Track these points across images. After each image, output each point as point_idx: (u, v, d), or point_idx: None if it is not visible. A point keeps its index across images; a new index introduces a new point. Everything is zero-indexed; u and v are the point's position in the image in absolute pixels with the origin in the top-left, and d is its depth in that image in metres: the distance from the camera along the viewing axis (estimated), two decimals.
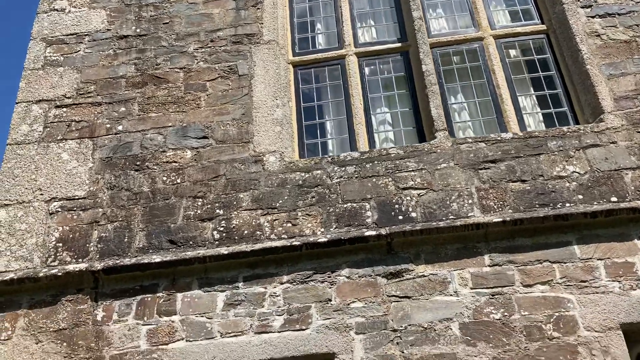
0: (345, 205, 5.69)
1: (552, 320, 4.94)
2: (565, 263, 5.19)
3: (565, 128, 5.96)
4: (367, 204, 5.67)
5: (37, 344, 5.30)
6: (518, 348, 4.85)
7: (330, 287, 5.30)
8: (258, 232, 5.64)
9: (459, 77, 6.85)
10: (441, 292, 5.16)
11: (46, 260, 5.71)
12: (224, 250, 5.47)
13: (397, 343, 4.97)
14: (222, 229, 5.70)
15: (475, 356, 4.85)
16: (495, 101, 6.55)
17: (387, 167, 5.86)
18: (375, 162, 5.91)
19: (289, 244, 5.41)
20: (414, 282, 5.24)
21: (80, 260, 5.68)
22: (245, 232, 5.66)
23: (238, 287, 5.40)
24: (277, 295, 5.31)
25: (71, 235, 5.83)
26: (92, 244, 5.77)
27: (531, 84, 6.82)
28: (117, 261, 5.54)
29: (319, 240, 5.39)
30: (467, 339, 4.93)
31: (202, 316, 5.30)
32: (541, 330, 4.91)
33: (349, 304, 5.19)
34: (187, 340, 5.19)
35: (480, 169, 5.74)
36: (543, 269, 5.19)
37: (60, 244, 5.79)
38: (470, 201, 5.56)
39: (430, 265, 5.31)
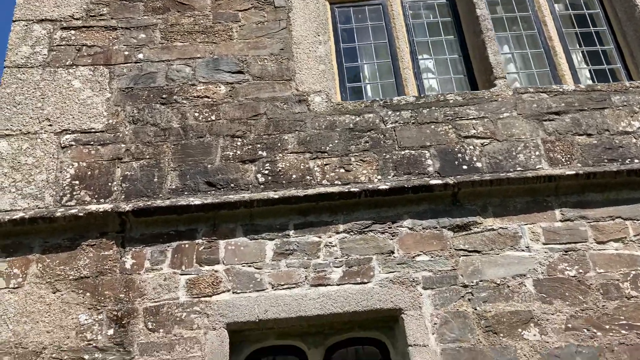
0: (402, 152, 5.24)
1: (629, 278, 4.71)
2: (637, 220, 4.97)
3: (627, 83, 5.72)
4: (426, 151, 5.24)
5: (54, 293, 4.60)
6: (596, 306, 4.60)
7: (392, 239, 4.86)
8: (308, 177, 5.11)
9: (508, 26, 6.48)
10: (512, 247, 4.83)
11: (60, 200, 4.97)
12: (272, 194, 4.91)
13: (469, 299, 4.61)
14: (266, 172, 5.13)
15: (552, 314, 4.56)
16: (548, 53, 6.24)
17: (446, 114, 5.44)
18: (433, 108, 5.48)
19: (346, 190, 4.92)
20: (482, 235, 4.88)
21: (102, 200, 4.98)
22: (294, 176, 5.12)
23: (289, 235, 4.87)
24: (334, 246, 4.83)
25: (89, 173, 5.11)
26: (115, 183, 5.07)
27: (580, 39, 6.54)
28: (148, 202, 4.88)
29: (380, 188, 4.93)
30: (543, 296, 4.64)
31: (250, 266, 4.75)
32: (619, 289, 4.67)
33: (413, 257, 4.78)
34: (233, 292, 4.64)
35: (545, 121, 5.41)
36: (615, 225, 4.95)
37: (77, 182, 5.06)
38: (537, 153, 5.23)
39: (499, 218, 4.96)
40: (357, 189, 4.92)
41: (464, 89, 6.03)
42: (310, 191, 4.93)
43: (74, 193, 5.02)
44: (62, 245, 4.80)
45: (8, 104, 5.39)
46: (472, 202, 5.01)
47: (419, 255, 4.79)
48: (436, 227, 4.92)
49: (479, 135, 5.33)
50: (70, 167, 5.13)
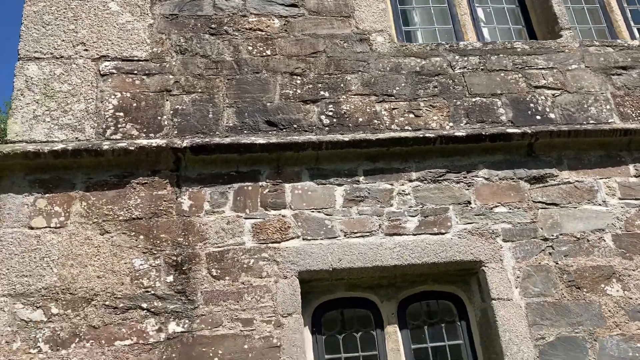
0: (473, 100, 4.96)
1: None
2: None
3: None
4: (497, 100, 4.98)
5: (102, 235, 4.11)
6: None
7: (468, 189, 4.60)
8: (375, 121, 4.76)
9: None
10: (589, 201, 4.66)
11: (103, 132, 4.44)
12: (340, 136, 4.54)
13: (550, 253, 4.42)
14: (330, 113, 4.74)
15: (633, 270, 4.44)
16: (604, 9, 6.06)
17: (515, 62, 5.18)
18: (501, 55, 5.21)
19: (420, 136, 4.60)
20: (559, 188, 4.69)
21: (152, 135, 4.48)
22: (360, 119, 4.75)
23: (358, 181, 4.53)
24: (407, 194, 4.52)
25: (135, 105, 4.58)
26: (165, 117, 4.57)
27: None
28: (206, 140, 4.41)
29: (456, 135, 4.64)
30: (622, 251, 4.50)
31: (320, 212, 4.39)
32: None
33: (491, 209, 4.54)
34: (303, 239, 4.28)
35: (612, 75, 5.24)
36: None
37: (121, 114, 4.54)
38: (607, 107, 5.06)
39: (574, 171, 4.77)
40: (432, 135, 4.61)
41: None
42: (382, 135, 4.58)
43: (119, 126, 4.49)
44: (109, 183, 4.30)
45: (35, 24, 4.76)
46: (547, 153, 4.79)
47: (496, 206, 4.55)
48: (512, 178, 4.68)
49: (549, 86, 5.10)
50: (112, 97, 4.59)
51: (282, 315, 4.01)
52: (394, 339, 4.28)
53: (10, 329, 3.78)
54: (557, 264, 4.39)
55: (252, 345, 3.90)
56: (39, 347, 3.75)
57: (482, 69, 5.12)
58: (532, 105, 4.99)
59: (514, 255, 4.38)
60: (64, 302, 3.89)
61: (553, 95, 5.07)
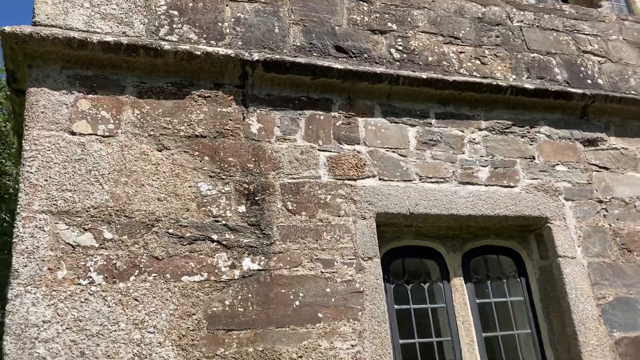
0: (532, 55, 4.86)
1: None
2: None
3: None
4: (552, 59, 4.92)
5: (160, 151, 3.46)
6: None
7: (531, 144, 4.50)
8: (445, 63, 4.49)
9: None
10: (634, 169, 4.78)
11: (156, 31, 3.72)
12: (416, 73, 4.20)
13: (604, 215, 4.47)
14: (400, 48, 4.39)
15: None
16: None
17: (565, 24, 5.15)
18: (552, 15, 5.15)
19: (493, 84, 4.41)
20: (608, 153, 4.75)
21: (212, 42, 3.83)
22: (430, 59, 4.45)
23: (430, 124, 4.25)
24: (477, 143, 4.32)
25: (191, 5, 3.89)
26: (226, 24, 3.94)
27: None
28: (277, 56, 3.86)
29: (526, 87, 4.51)
30: None
31: (394, 152, 4.05)
32: None
33: (553, 166, 4.48)
34: (380, 179, 3.92)
35: None
36: None
37: (175, 13, 3.83)
38: None
39: (620, 138, 4.87)
40: (504, 84, 4.43)
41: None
42: (457, 78, 4.32)
43: (174, 26, 3.78)
44: (166, 91, 3.61)
45: None
46: (597, 118, 4.84)
47: (557, 164, 4.51)
48: (570, 138, 4.66)
49: (595, 53, 5.14)
50: None
51: (362, 259, 3.64)
52: (461, 291, 4.09)
53: (53, 254, 3.03)
54: (610, 226, 4.45)
55: (334, 288, 3.50)
56: (90, 277, 3.06)
57: (537, 26, 5.02)
58: (582, 68, 4.99)
59: (575, 215, 4.37)
60: (118, 226, 3.20)
61: (599, 62, 5.11)
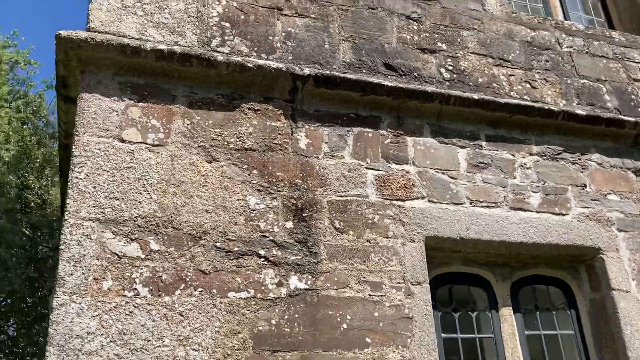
0: (582, 81, 4.77)
1: None
2: None
3: None
4: (602, 85, 4.83)
5: (209, 162, 3.39)
6: None
7: (582, 172, 4.38)
8: (495, 85, 4.42)
9: None
10: None
11: (208, 42, 3.70)
12: (466, 93, 4.13)
13: None
14: (450, 68, 4.33)
15: None
16: None
17: (615, 51, 5.08)
18: (601, 42, 5.08)
19: (545, 108, 4.32)
20: None
21: (263, 56, 3.80)
22: (480, 80, 4.38)
23: (481, 146, 4.16)
24: (528, 168, 4.22)
25: (242, 17, 3.87)
26: (277, 37, 3.91)
27: None
28: (327, 72, 3.81)
29: (577, 112, 4.41)
30: None
31: (444, 173, 3.95)
32: None
33: (605, 195, 4.35)
34: (429, 201, 3.82)
35: None
36: None
37: (227, 24, 3.81)
38: None
39: None
40: (556, 109, 4.34)
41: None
42: (509, 100, 4.24)
43: (226, 38, 3.76)
44: (216, 102, 3.57)
45: None
46: None
47: (609, 193, 4.38)
48: (622, 167, 4.53)
49: None
50: (216, 2, 3.84)
51: (412, 283, 3.52)
52: (509, 322, 3.94)
53: (99, 263, 2.96)
54: None
55: (382, 312, 3.38)
56: (135, 289, 2.97)
57: (586, 52, 4.95)
58: (633, 97, 4.90)
59: (628, 247, 4.22)
60: (165, 237, 3.13)
61: None
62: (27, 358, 16.72)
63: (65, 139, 4.07)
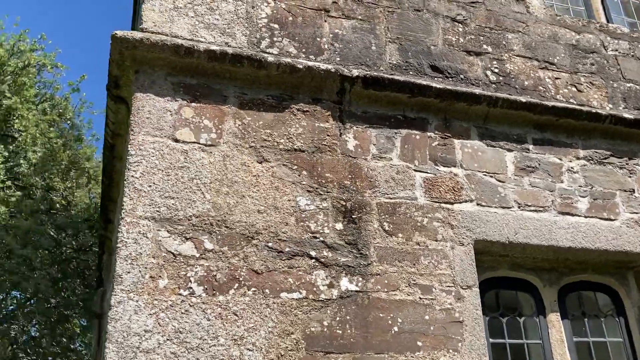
0: (628, 85, 4.72)
1: None
2: None
3: None
4: None
5: (260, 163, 3.41)
6: None
7: (630, 177, 4.34)
8: (541, 88, 4.39)
9: None
10: None
11: (257, 43, 3.73)
12: (514, 96, 4.11)
13: None
14: (496, 70, 4.31)
15: None
16: None
17: None
18: None
19: (593, 111, 4.28)
20: None
21: (312, 57, 3.82)
22: (526, 83, 4.36)
23: (528, 149, 4.13)
24: (575, 172, 4.18)
25: (290, 19, 3.90)
26: (324, 39, 3.93)
27: None
28: (375, 73, 3.82)
29: (625, 116, 4.37)
30: None
31: (492, 176, 3.93)
32: None
33: None
34: (477, 204, 3.80)
35: None
36: None
37: (276, 26, 3.84)
38: None
39: None
40: (603, 112, 4.30)
41: None
42: (556, 103, 4.21)
43: (275, 39, 3.79)
44: (266, 103, 3.59)
45: None
46: None
47: None
48: None
49: None
50: (265, 4, 3.87)
51: (461, 287, 3.50)
52: (557, 328, 3.90)
53: (155, 261, 2.99)
54: None
55: (433, 316, 3.36)
56: (190, 288, 3.00)
57: (632, 55, 4.90)
58: None
59: None
60: (219, 237, 3.15)
61: None
62: (49, 358, 16.89)
63: (112, 139, 4.12)
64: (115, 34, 3.28)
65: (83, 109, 17.98)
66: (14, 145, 14.96)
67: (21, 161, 14.80)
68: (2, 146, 14.36)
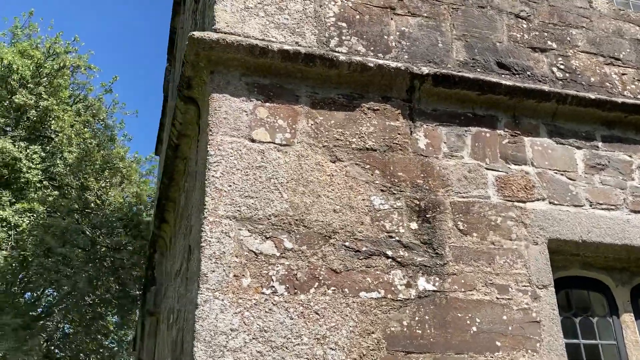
0: None
1: None
2: None
3: None
4: None
5: (333, 162, 3.43)
6: None
7: None
8: (607, 84, 4.34)
9: None
10: None
11: (327, 42, 3.74)
12: (583, 93, 4.07)
13: None
14: (562, 67, 4.27)
15: None
16: None
17: None
18: None
19: None
20: None
21: (380, 55, 3.82)
22: (592, 79, 4.31)
23: (597, 147, 4.08)
24: None
25: (358, 17, 3.91)
26: (392, 37, 3.93)
27: None
28: (444, 71, 3.81)
29: None
30: None
31: (562, 174, 3.90)
32: None
33: None
34: (549, 202, 3.77)
35: None
36: None
37: (344, 24, 3.85)
38: None
39: None
40: None
41: None
42: (627, 100, 4.16)
43: (343, 38, 3.80)
44: (337, 102, 3.61)
45: None
46: None
47: None
48: None
49: None
50: (332, 3, 3.88)
51: (537, 287, 3.48)
52: (632, 329, 3.85)
53: (238, 260, 3.02)
54: None
55: (510, 316, 3.35)
56: (272, 287, 3.03)
57: None
58: None
59: None
60: (297, 236, 3.18)
61: None
62: (83, 355, 17.15)
63: (177, 139, 4.18)
64: (193, 35, 3.32)
65: (115, 109, 18.22)
66: (50, 145, 15.23)
67: (57, 161, 15.06)
68: (39, 147, 14.63)
